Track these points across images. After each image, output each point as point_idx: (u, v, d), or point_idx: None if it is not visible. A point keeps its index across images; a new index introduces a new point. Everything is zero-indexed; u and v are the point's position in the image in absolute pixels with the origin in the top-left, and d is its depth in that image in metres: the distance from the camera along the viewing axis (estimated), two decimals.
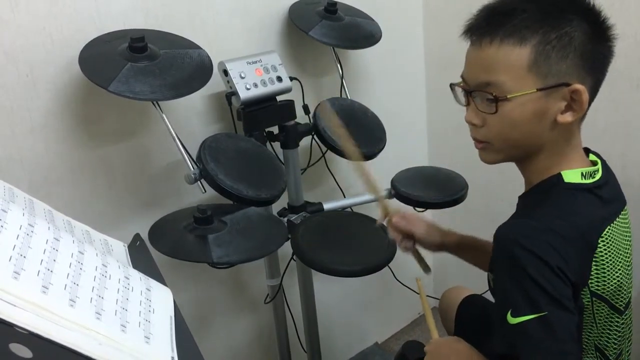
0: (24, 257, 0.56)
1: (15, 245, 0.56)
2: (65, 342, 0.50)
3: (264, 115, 1.29)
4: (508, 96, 0.80)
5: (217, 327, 1.52)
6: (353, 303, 1.86)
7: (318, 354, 1.58)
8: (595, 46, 0.81)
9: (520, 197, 0.93)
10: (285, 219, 1.37)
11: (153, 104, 1.10)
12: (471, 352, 0.92)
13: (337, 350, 1.85)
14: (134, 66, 1.05)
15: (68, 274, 0.59)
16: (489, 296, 0.99)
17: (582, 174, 0.84)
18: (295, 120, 1.35)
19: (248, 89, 1.24)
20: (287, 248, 1.26)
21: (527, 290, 0.76)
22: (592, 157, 0.91)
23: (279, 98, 1.32)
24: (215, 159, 1.13)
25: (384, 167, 1.51)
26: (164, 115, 1.12)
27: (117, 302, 0.61)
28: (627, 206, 0.90)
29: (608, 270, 0.82)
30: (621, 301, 0.86)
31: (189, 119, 1.31)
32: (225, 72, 1.24)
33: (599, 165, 0.88)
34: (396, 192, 1.41)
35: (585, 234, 0.81)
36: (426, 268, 1.18)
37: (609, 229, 0.83)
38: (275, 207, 1.37)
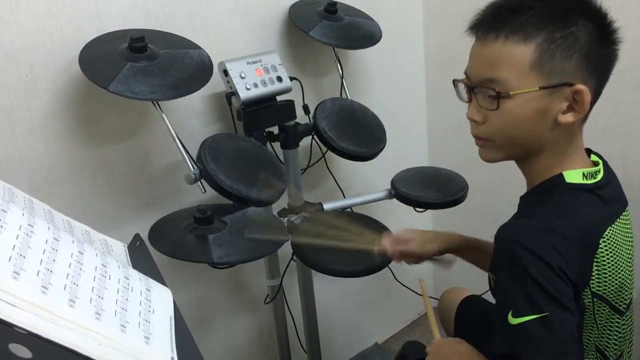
0: (24, 257, 0.56)
1: (14, 246, 0.56)
2: (64, 342, 0.50)
3: (264, 116, 1.29)
4: (510, 93, 0.80)
5: (217, 327, 1.52)
6: (353, 303, 1.86)
7: (318, 354, 1.58)
8: (600, 48, 0.80)
9: (521, 198, 0.92)
10: (286, 220, 1.37)
11: (153, 104, 1.10)
12: (472, 353, 0.92)
13: (337, 350, 1.85)
14: (134, 66, 1.05)
15: (68, 274, 0.59)
16: (488, 297, 0.99)
17: (583, 174, 0.84)
18: (295, 120, 1.35)
19: (248, 89, 1.24)
20: (287, 248, 1.26)
21: (528, 290, 0.76)
22: (593, 157, 0.91)
23: (279, 98, 1.32)
24: (215, 159, 1.13)
25: (384, 167, 1.51)
26: (164, 115, 1.12)
27: (116, 303, 0.61)
28: (628, 207, 0.90)
29: (609, 271, 0.82)
30: (622, 302, 0.86)
31: (189, 119, 1.31)
32: (225, 72, 1.24)
33: (601, 166, 0.88)
34: (396, 192, 1.41)
35: (586, 234, 0.81)
36: (447, 264, 1.16)
37: (610, 229, 0.83)
38: (276, 208, 1.37)
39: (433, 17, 1.75)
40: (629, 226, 0.89)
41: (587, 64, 0.80)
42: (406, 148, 1.81)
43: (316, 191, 1.62)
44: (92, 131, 1.18)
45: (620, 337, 0.88)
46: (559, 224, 0.79)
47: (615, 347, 0.88)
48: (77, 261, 0.62)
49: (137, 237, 0.90)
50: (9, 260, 0.54)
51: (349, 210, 1.49)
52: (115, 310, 0.60)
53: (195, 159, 1.14)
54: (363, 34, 1.43)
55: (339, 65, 1.48)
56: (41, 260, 0.57)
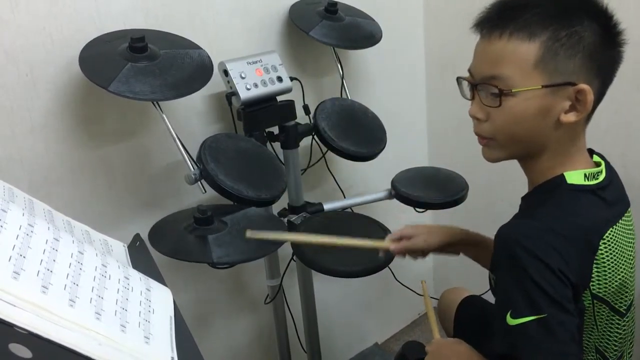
0: (24, 257, 0.56)
1: (15, 246, 0.56)
2: (64, 342, 0.50)
3: (264, 116, 1.29)
4: (513, 90, 0.80)
5: (217, 327, 1.52)
6: (353, 303, 1.86)
7: (318, 354, 1.58)
8: (604, 49, 0.80)
9: (523, 198, 0.92)
10: (286, 220, 1.37)
11: (153, 104, 1.10)
12: (472, 353, 0.92)
13: (337, 350, 1.85)
14: (134, 66, 1.05)
15: (68, 274, 0.59)
16: (488, 297, 0.99)
17: (585, 175, 0.84)
18: (296, 120, 1.35)
19: (248, 89, 1.24)
20: (287, 248, 1.26)
21: (528, 291, 0.76)
22: (595, 158, 0.90)
23: (279, 98, 1.32)
24: (216, 159, 1.13)
25: (384, 167, 1.51)
26: (164, 116, 1.12)
27: (116, 302, 0.61)
28: (631, 208, 0.90)
29: (609, 273, 0.82)
30: (623, 303, 0.86)
31: (189, 119, 1.31)
32: (226, 72, 1.24)
33: (603, 167, 0.88)
34: (396, 192, 1.41)
35: (587, 235, 0.80)
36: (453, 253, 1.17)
37: (611, 230, 0.83)
38: (276, 208, 1.37)
39: (433, 17, 1.75)
40: (631, 227, 0.88)
41: (591, 64, 0.80)
42: (406, 148, 1.81)
43: (316, 191, 1.62)
44: (92, 131, 1.18)
45: (620, 339, 0.87)
46: (559, 224, 0.79)
47: (615, 348, 0.87)
48: (77, 261, 0.62)
49: (137, 237, 0.90)
50: (9, 260, 0.54)
51: (349, 210, 1.49)
52: (116, 310, 0.60)
53: (195, 159, 1.14)
54: (363, 34, 1.43)
55: (339, 66, 1.48)
56: (41, 260, 0.57)
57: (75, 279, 0.59)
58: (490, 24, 0.83)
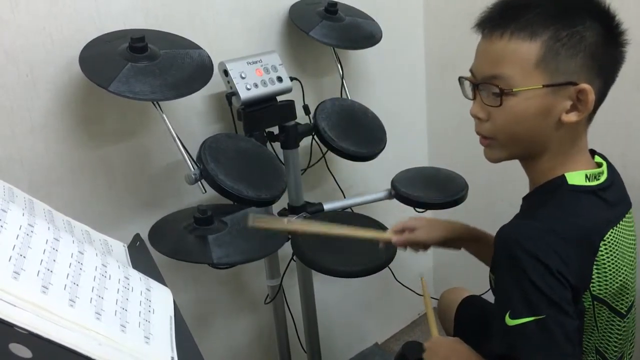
0: (24, 257, 0.56)
1: (15, 245, 0.56)
2: (65, 342, 0.50)
3: (264, 116, 1.29)
4: (513, 90, 0.80)
5: (217, 327, 1.52)
6: (353, 303, 1.86)
7: (318, 354, 1.58)
8: (606, 49, 0.80)
9: (524, 198, 0.92)
10: (286, 219, 1.37)
11: (153, 104, 1.10)
12: (470, 353, 0.92)
13: (337, 350, 1.85)
14: (134, 66, 1.05)
15: (68, 274, 0.59)
16: (488, 297, 0.99)
17: (586, 176, 0.84)
18: (296, 120, 1.35)
19: (248, 89, 1.24)
20: (287, 248, 1.26)
21: (527, 292, 0.76)
22: (597, 158, 0.90)
23: (279, 98, 1.32)
24: (216, 159, 1.13)
25: (384, 168, 1.51)
26: (164, 116, 1.12)
27: (117, 302, 0.61)
28: (632, 209, 0.90)
29: (610, 274, 0.81)
30: (623, 305, 0.85)
31: (189, 119, 1.31)
32: (226, 72, 1.24)
33: (604, 167, 0.87)
34: (396, 192, 1.41)
35: (587, 236, 0.80)
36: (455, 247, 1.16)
37: (612, 232, 0.82)
38: (276, 208, 1.37)
39: (433, 17, 1.75)
40: (632, 228, 0.88)
41: (593, 64, 0.79)
42: (406, 148, 1.81)
43: (316, 191, 1.62)
44: (92, 131, 1.18)
45: (621, 340, 0.87)
46: (560, 225, 0.79)
47: (615, 349, 0.87)
48: (78, 261, 0.62)
49: (137, 237, 0.90)
50: (9, 260, 0.54)
51: (349, 210, 1.49)
52: (116, 310, 0.60)
53: (195, 159, 1.14)
54: (363, 34, 1.43)
55: (339, 66, 1.48)
56: (41, 260, 0.57)
57: (75, 279, 0.59)
58: (491, 24, 0.83)
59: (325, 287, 1.66)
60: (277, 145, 1.37)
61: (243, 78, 1.24)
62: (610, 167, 0.89)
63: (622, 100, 1.33)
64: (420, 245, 1.12)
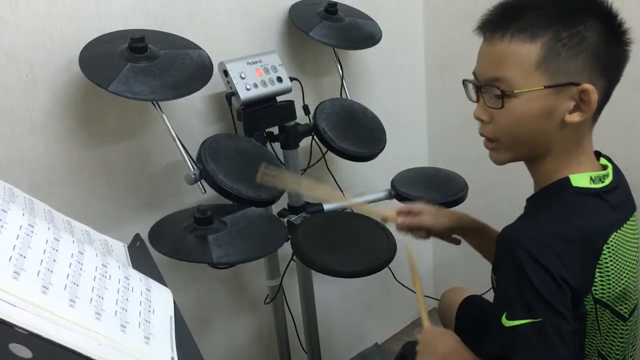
0: (24, 257, 0.56)
1: (15, 246, 0.56)
2: (65, 342, 0.50)
3: (264, 116, 1.29)
4: (515, 92, 0.80)
5: (217, 327, 1.52)
6: (353, 303, 1.86)
7: (318, 354, 1.58)
8: (609, 48, 0.80)
9: (528, 200, 0.92)
10: (286, 220, 1.37)
11: (153, 104, 1.10)
12: (468, 355, 0.91)
13: (337, 350, 1.85)
14: (134, 66, 1.05)
15: (68, 274, 0.59)
16: (488, 297, 0.98)
17: (590, 178, 0.83)
18: (296, 120, 1.35)
19: (248, 90, 1.24)
20: (287, 248, 1.26)
21: (525, 294, 0.75)
22: (602, 161, 0.90)
23: (279, 98, 1.32)
24: (215, 159, 1.13)
25: (384, 168, 1.51)
26: (164, 116, 1.12)
27: (117, 303, 0.61)
28: (636, 211, 0.89)
29: (613, 277, 0.81)
30: (626, 308, 0.85)
31: (189, 119, 1.31)
32: (226, 73, 1.24)
33: (609, 170, 0.87)
34: (396, 192, 1.41)
35: (591, 239, 0.80)
36: (454, 240, 1.16)
37: (616, 235, 0.82)
38: (276, 208, 1.37)
39: (433, 17, 1.75)
40: (635, 231, 0.87)
41: (595, 64, 0.79)
42: (406, 148, 1.81)
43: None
44: (92, 131, 1.18)
45: (623, 343, 0.87)
46: (562, 227, 0.79)
47: (617, 352, 0.87)
48: (78, 261, 0.62)
49: (137, 237, 0.90)
50: (10, 260, 0.54)
51: (349, 210, 1.49)
52: (116, 310, 0.60)
53: (195, 159, 1.14)
54: (363, 34, 1.43)
55: (339, 66, 1.48)
56: (41, 260, 0.57)
57: (75, 279, 0.59)
58: (492, 26, 0.83)
59: (325, 287, 1.66)
60: (277, 145, 1.37)
61: (243, 78, 1.24)
62: (615, 169, 0.89)
63: (625, 100, 1.33)
64: (422, 232, 1.12)
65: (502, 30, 0.81)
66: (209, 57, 1.17)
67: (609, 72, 0.82)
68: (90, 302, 0.58)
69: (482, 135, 0.89)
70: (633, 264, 0.85)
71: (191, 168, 1.13)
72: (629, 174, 0.92)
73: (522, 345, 0.76)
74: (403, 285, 1.72)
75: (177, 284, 1.39)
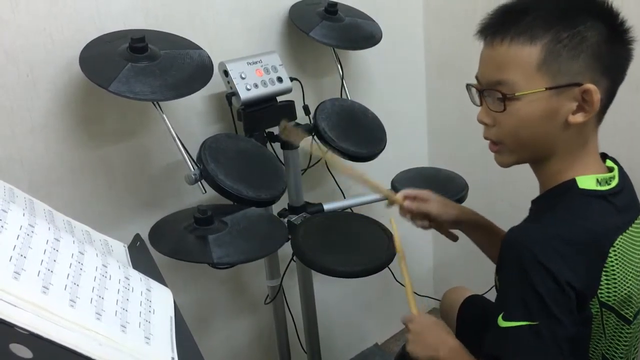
0: (24, 257, 0.56)
1: (15, 246, 0.56)
2: (65, 342, 0.50)
3: (264, 116, 1.29)
4: (517, 94, 0.80)
5: (217, 327, 1.52)
6: (353, 303, 1.86)
7: (318, 354, 1.57)
8: (611, 47, 0.80)
9: (533, 201, 0.91)
10: (286, 220, 1.37)
11: (153, 104, 1.11)
12: (461, 349, 0.90)
13: (337, 350, 1.85)
14: (134, 66, 1.05)
15: (68, 275, 0.59)
16: (490, 297, 0.98)
17: (597, 180, 0.83)
18: (296, 120, 1.35)
19: (248, 90, 1.24)
20: (287, 249, 1.26)
21: (525, 296, 0.75)
22: (608, 163, 0.89)
23: (280, 98, 1.32)
24: (216, 159, 1.13)
25: (384, 168, 1.51)
26: (164, 116, 1.12)
27: (117, 303, 0.61)
28: None
29: (619, 281, 0.80)
30: (630, 311, 0.84)
31: (189, 119, 1.31)
32: (226, 73, 1.24)
33: (616, 172, 0.86)
34: (396, 192, 1.41)
35: (597, 242, 0.79)
36: (452, 236, 1.15)
37: (622, 238, 0.81)
38: (276, 208, 1.37)
39: (433, 17, 1.75)
40: None
41: (597, 64, 0.79)
42: (406, 148, 1.80)
43: (316, 192, 1.62)
44: (92, 131, 1.18)
45: (627, 346, 0.86)
46: (567, 229, 0.78)
47: (621, 355, 0.86)
48: (78, 261, 0.62)
49: (137, 237, 0.90)
50: (10, 260, 0.54)
51: (349, 210, 1.49)
52: (116, 311, 0.60)
53: (195, 159, 1.14)
54: (363, 34, 1.43)
55: (339, 66, 1.48)
56: (42, 261, 0.57)
57: (75, 279, 0.59)
58: (492, 30, 0.83)
59: (325, 287, 1.66)
60: (277, 145, 1.37)
61: (243, 78, 1.24)
62: (621, 171, 0.88)
63: (625, 101, 1.32)
64: (426, 219, 1.11)
65: (502, 33, 0.81)
66: (209, 57, 1.17)
67: (612, 71, 0.82)
68: (91, 302, 0.58)
69: (486, 138, 0.89)
70: (637, 266, 0.84)
71: (191, 168, 1.13)
72: (631, 175, 0.91)
73: (515, 347, 0.76)
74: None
75: (177, 284, 1.39)
